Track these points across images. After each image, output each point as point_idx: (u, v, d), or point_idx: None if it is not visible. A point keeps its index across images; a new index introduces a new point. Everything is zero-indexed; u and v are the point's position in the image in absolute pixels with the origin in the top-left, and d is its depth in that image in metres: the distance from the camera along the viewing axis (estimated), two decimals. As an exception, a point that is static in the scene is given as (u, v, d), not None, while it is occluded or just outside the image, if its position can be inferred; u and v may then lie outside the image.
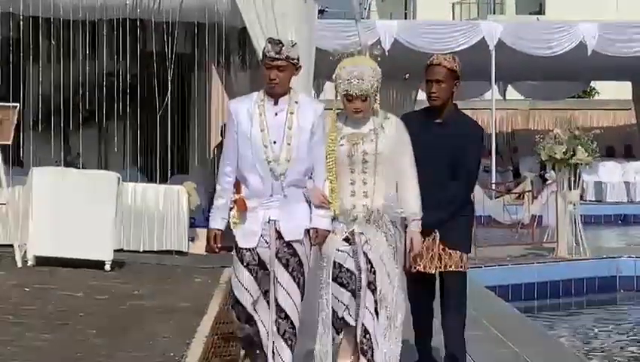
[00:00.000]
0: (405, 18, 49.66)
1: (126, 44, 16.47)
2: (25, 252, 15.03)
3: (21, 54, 17.05)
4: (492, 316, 11.53)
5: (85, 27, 16.48)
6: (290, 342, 7.30)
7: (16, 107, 16.44)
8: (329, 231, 7.39)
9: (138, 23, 16.65)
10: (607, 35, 28.25)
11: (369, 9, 54.95)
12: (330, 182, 7.39)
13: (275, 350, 7.27)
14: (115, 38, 17.28)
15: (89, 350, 9.60)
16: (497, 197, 22.82)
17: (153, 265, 14.58)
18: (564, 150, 16.96)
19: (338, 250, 7.41)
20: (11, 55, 16.85)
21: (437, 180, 7.76)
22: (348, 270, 7.40)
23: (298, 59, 7.44)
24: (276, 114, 7.35)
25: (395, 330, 7.49)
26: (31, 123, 17.88)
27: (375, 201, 7.39)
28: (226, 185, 7.49)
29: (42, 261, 14.71)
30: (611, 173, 29.77)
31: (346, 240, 7.44)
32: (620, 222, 27.05)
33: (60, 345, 9.97)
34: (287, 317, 7.29)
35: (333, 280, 7.40)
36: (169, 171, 17.84)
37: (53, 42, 17.00)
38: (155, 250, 15.98)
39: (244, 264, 7.35)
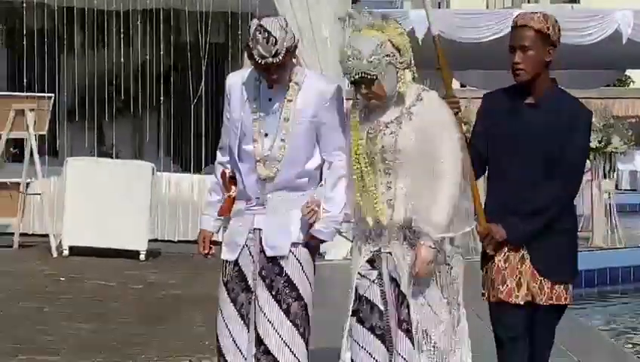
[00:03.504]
0: (439, 7, 49.54)
1: (159, 34, 16.54)
2: (60, 241, 15.13)
3: (55, 45, 17.11)
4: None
5: (119, 17, 16.55)
6: None
7: (51, 97, 16.53)
8: (323, 241, 6.06)
9: (172, 12, 16.69)
10: (642, 23, 28.23)
11: (401, 2, 54.96)
12: (357, 181, 5.83)
13: None
14: (148, 28, 17.35)
15: (125, 338, 9.66)
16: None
17: (188, 254, 14.57)
18: (599, 138, 16.98)
19: (360, 275, 5.89)
20: (46, 46, 16.92)
21: (526, 180, 5.80)
22: (368, 301, 5.85)
23: (294, 40, 5.82)
24: (270, 99, 5.94)
25: None
26: (66, 113, 17.97)
27: (402, 212, 5.73)
28: (220, 179, 6.17)
29: (77, 251, 14.80)
30: (647, 162, 29.78)
31: (371, 261, 5.87)
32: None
33: (96, 333, 10.03)
34: (267, 352, 5.84)
35: (352, 314, 5.92)
36: (203, 161, 17.85)
37: (87, 32, 17.08)
38: (190, 239, 15.96)
39: (224, 281, 6.03)
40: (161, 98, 18.01)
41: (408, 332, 5.72)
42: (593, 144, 16.91)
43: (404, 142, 5.67)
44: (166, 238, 16.23)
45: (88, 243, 14.59)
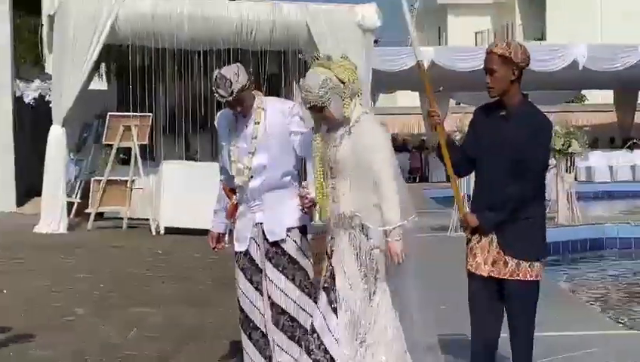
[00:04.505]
0: (439, 44, 49.26)
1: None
2: (157, 224, 15.18)
3: (153, 77, 17.14)
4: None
5: (199, 56, 16.55)
6: (290, 334, 5.86)
7: (149, 116, 16.61)
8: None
9: (239, 51, 16.66)
10: (595, 54, 28.05)
11: (411, 39, 54.72)
12: (318, 182, 5.66)
13: (276, 344, 5.91)
14: (221, 63, 17.36)
15: (206, 297, 9.67)
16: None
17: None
18: (562, 143, 16.95)
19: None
20: (145, 78, 16.96)
21: (497, 178, 5.55)
22: None
23: (249, 77, 5.86)
24: (246, 126, 5.93)
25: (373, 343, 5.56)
26: (161, 128, 17.98)
27: (343, 207, 5.53)
28: (222, 191, 6.25)
29: (170, 230, 14.84)
30: (598, 159, 29.50)
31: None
32: (605, 197, 26.77)
33: (185, 292, 10.05)
34: (284, 312, 5.86)
35: None
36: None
37: (175, 67, 17.10)
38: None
39: (240, 267, 6.01)
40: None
41: (328, 291, 5.54)
42: (557, 147, 16.94)
43: (343, 154, 5.49)
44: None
45: (179, 224, 14.61)
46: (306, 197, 5.64)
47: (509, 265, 5.55)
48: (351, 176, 5.52)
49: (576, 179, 18.19)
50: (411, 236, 5.56)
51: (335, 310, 5.52)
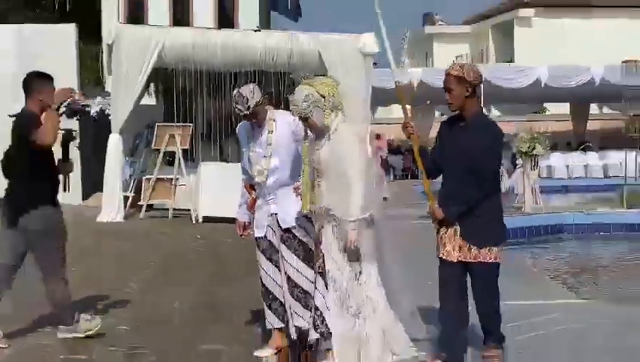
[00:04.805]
0: (426, 66, 49.10)
1: (260, 85, 16.49)
2: (197, 213, 15.18)
3: (192, 94, 17.15)
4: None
5: (230, 76, 16.52)
6: (303, 302, 5.83)
7: (190, 126, 16.61)
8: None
9: (263, 73, 16.65)
10: (554, 74, 28.01)
11: (405, 62, 54.68)
12: (304, 179, 5.67)
13: (293, 311, 5.91)
14: (248, 82, 17.34)
15: (236, 274, 9.65)
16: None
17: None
18: (528, 146, 16.96)
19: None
20: (187, 95, 16.96)
21: (457, 178, 5.51)
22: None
23: (262, 95, 5.99)
24: (261, 135, 6.01)
25: (350, 315, 5.50)
26: (199, 135, 17.97)
27: (324, 202, 5.52)
28: (244, 188, 6.29)
29: (207, 219, 14.83)
30: (557, 159, 29.43)
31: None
32: (563, 190, 26.67)
33: (219, 270, 10.05)
34: (297, 285, 5.86)
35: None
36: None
37: (211, 86, 17.09)
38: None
39: (260, 250, 6.09)
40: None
41: (322, 274, 5.59)
42: (524, 149, 16.98)
43: (323, 157, 5.51)
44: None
45: (214, 214, 14.57)
46: (299, 189, 5.70)
47: (472, 250, 5.54)
48: (330, 176, 5.52)
49: (539, 175, 18.12)
50: (372, 227, 5.53)
51: (329, 290, 5.51)
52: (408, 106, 6.03)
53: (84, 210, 16.73)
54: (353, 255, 5.45)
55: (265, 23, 29.73)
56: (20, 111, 6.38)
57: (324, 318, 5.55)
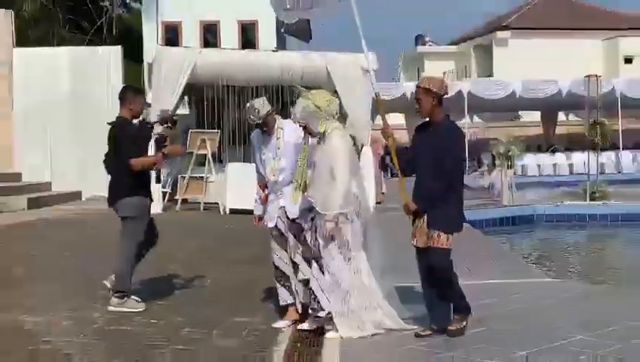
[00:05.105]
0: (418, 79, 48.78)
1: (274, 98, 16.46)
2: (224, 206, 15.21)
3: (220, 104, 17.17)
4: (464, 238, 11.45)
5: (252, 90, 16.55)
6: (304, 282, 5.86)
7: (218, 132, 16.64)
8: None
9: (280, 87, 16.65)
10: (527, 87, 27.96)
11: (400, 77, 54.39)
12: (300, 175, 5.76)
13: (296, 289, 6.00)
14: (269, 95, 17.36)
15: (257, 257, 9.63)
16: (469, 173, 22.73)
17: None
18: (505, 148, 16.98)
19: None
20: (215, 105, 16.98)
21: (425, 175, 5.43)
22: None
23: (271, 106, 6.01)
24: (271, 140, 6.06)
25: (341, 291, 5.53)
26: (226, 140, 18.00)
27: (310, 192, 5.60)
28: (258, 186, 6.37)
29: (233, 211, 14.87)
30: (530, 160, 29.31)
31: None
32: (535, 186, 26.58)
33: (244, 254, 10.05)
34: (299, 269, 5.92)
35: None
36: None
37: (236, 98, 17.11)
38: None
39: (273, 237, 6.12)
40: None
41: (317, 259, 5.58)
42: (503, 151, 17.02)
43: (317, 157, 5.58)
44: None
45: (239, 206, 14.58)
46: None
47: (433, 236, 5.43)
48: (321, 173, 5.52)
49: (515, 173, 18.10)
50: (359, 222, 5.54)
51: (324, 274, 5.53)
52: (387, 115, 6.12)
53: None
54: (330, 243, 5.48)
55: (281, 45, 29.75)
56: (114, 119, 6.78)
57: (318, 300, 5.59)
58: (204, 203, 15.95)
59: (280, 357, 5.24)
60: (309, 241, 5.66)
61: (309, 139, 5.74)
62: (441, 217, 5.43)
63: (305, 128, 5.64)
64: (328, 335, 5.55)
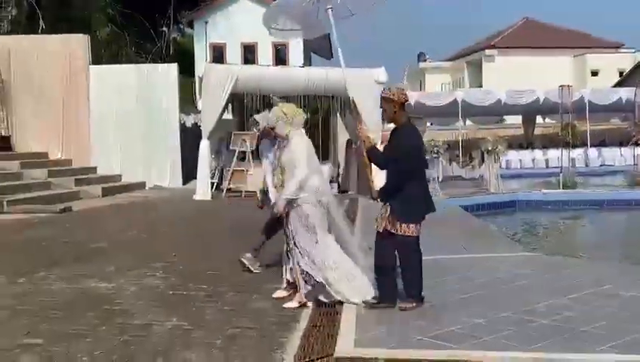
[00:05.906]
0: (420, 90, 48.75)
1: (308, 105, 16.45)
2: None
3: (258, 111, 17.15)
4: (458, 219, 11.40)
5: (284, 99, 16.53)
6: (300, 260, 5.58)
7: (256, 133, 16.57)
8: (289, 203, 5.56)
9: (307, 96, 16.61)
10: (511, 95, 27.70)
11: (405, 85, 54.13)
12: (278, 173, 5.59)
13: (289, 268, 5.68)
14: (296, 103, 17.29)
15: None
16: (463, 167, 22.61)
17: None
18: (492, 146, 16.87)
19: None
20: (254, 112, 16.85)
21: (391, 170, 5.21)
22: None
23: (275, 120, 5.57)
24: (278, 148, 5.68)
25: (316, 266, 5.38)
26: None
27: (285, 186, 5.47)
28: (269, 185, 6.23)
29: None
30: (513, 155, 29.04)
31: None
32: (517, 177, 26.32)
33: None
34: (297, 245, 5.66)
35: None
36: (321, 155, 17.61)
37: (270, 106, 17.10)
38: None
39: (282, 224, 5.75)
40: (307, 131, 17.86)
41: (296, 245, 5.46)
42: (490, 148, 16.92)
43: (283, 157, 5.48)
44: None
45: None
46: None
47: (396, 224, 5.18)
48: (287, 170, 5.45)
49: (500, 166, 17.98)
50: (320, 208, 5.39)
51: (302, 256, 5.42)
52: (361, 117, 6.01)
53: (184, 191, 16.88)
54: (300, 228, 5.38)
55: (307, 61, 29.75)
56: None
57: (310, 277, 5.43)
58: (245, 191, 16.00)
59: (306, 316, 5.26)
60: (289, 229, 5.51)
61: (278, 142, 5.63)
62: (399, 208, 5.15)
63: (273, 130, 5.58)
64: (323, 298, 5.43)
